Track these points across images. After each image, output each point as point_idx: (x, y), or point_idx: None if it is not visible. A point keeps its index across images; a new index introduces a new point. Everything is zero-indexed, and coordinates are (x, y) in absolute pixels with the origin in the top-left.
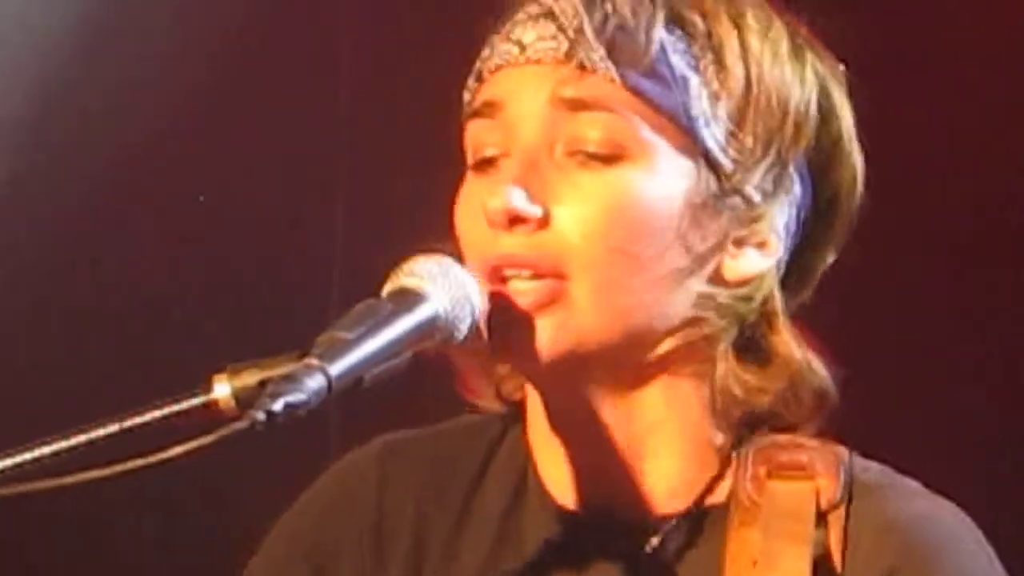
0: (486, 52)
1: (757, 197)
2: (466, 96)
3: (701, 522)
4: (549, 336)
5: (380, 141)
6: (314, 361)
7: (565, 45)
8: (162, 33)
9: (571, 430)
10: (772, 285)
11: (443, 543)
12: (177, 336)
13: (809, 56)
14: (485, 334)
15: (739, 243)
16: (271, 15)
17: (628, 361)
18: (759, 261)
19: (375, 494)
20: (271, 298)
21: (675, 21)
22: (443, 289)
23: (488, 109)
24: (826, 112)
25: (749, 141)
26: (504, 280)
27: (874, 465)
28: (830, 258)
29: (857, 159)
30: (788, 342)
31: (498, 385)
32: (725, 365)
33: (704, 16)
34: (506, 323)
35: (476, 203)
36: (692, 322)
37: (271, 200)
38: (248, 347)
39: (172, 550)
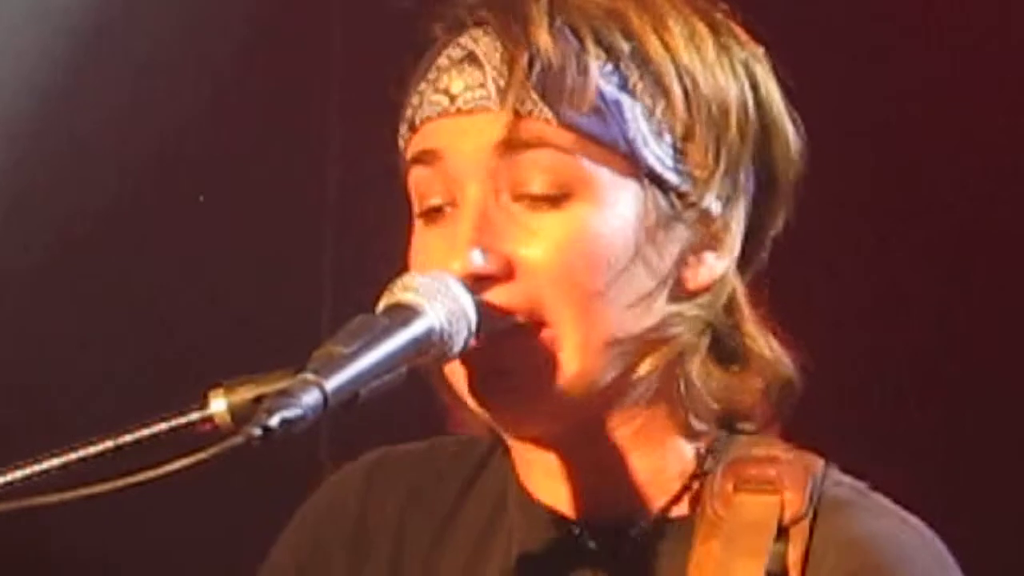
0: (415, 100)
1: (716, 207)
2: (400, 143)
3: (666, 531)
4: (540, 395)
5: (371, 153)
6: (310, 376)
7: (495, 93)
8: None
9: (548, 451)
10: (733, 283)
11: (424, 552)
12: (172, 353)
13: (733, 47)
14: (471, 401)
15: (696, 251)
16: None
17: (608, 390)
18: (718, 265)
19: (359, 501)
20: (264, 314)
21: (599, 44)
22: (439, 304)
23: (428, 156)
24: (760, 100)
25: (699, 153)
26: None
27: (847, 480)
28: (780, 223)
29: (788, 128)
30: (758, 338)
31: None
32: (703, 374)
33: (627, 34)
34: (494, 388)
35: (433, 257)
36: (665, 341)
37: (262, 214)
38: (243, 363)
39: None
